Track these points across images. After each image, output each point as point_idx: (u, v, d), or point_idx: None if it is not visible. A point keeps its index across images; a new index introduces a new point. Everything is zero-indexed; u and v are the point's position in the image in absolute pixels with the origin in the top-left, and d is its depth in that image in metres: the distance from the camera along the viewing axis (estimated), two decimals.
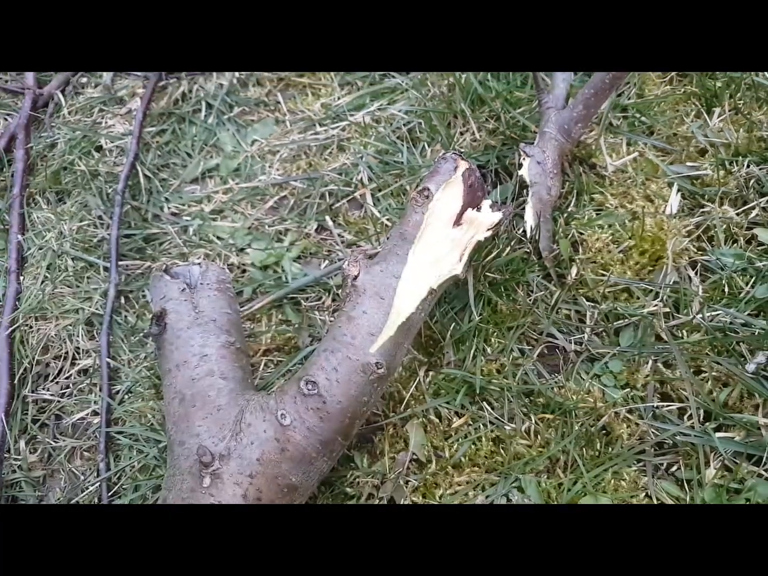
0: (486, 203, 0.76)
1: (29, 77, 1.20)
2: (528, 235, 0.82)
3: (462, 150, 0.96)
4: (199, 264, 0.83)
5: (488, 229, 0.73)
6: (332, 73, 1.13)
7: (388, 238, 0.74)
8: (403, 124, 1.02)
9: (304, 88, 1.14)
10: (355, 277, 0.72)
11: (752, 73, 0.92)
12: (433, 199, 0.73)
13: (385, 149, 1.00)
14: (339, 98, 1.10)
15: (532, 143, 0.87)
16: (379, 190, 0.98)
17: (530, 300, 0.80)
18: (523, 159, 0.86)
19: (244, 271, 0.96)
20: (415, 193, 0.73)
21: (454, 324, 0.79)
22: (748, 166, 0.84)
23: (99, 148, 1.12)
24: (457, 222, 0.74)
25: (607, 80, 0.82)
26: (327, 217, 0.97)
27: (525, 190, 0.89)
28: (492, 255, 0.80)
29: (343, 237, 0.96)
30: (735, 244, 0.79)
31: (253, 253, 0.97)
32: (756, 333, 0.69)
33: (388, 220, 0.93)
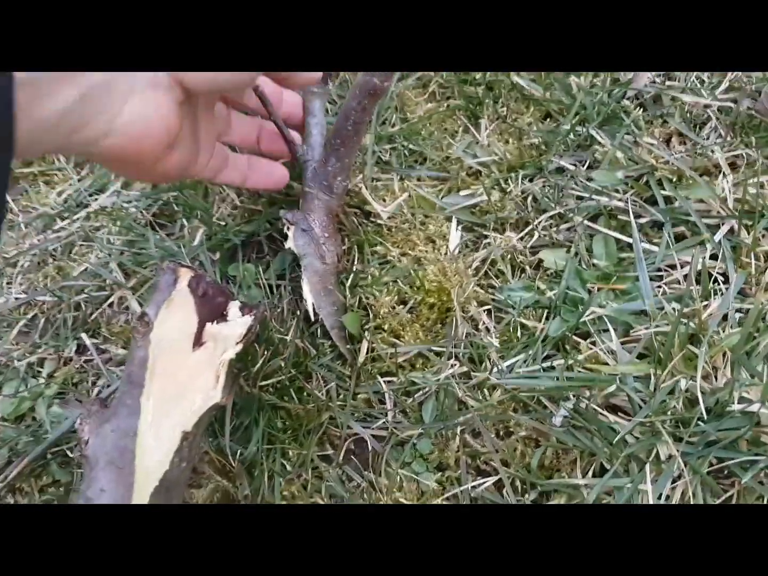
0: (234, 307, 0.62)
1: None
2: (312, 316, 0.69)
3: (222, 223, 0.81)
4: None
5: (238, 342, 0.59)
6: (63, 158, 0.93)
7: (119, 384, 0.59)
8: (154, 201, 0.85)
9: (36, 179, 0.93)
10: (86, 443, 0.56)
11: (510, 74, 0.84)
12: (155, 325, 0.57)
13: (134, 240, 0.82)
14: (77, 181, 0.91)
15: (296, 208, 0.74)
16: (141, 285, 0.81)
17: (323, 392, 0.68)
18: (287, 228, 0.72)
19: None
20: (135, 323, 0.58)
21: (241, 447, 0.65)
22: (522, 182, 0.76)
23: None
24: (198, 342, 0.59)
25: (349, 127, 0.69)
26: (83, 335, 0.79)
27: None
28: (269, 353, 0.67)
29: (109, 352, 0.78)
30: (523, 274, 0.70)
31: (2, 404, 0.77)
32: (555, 380, 0.61)
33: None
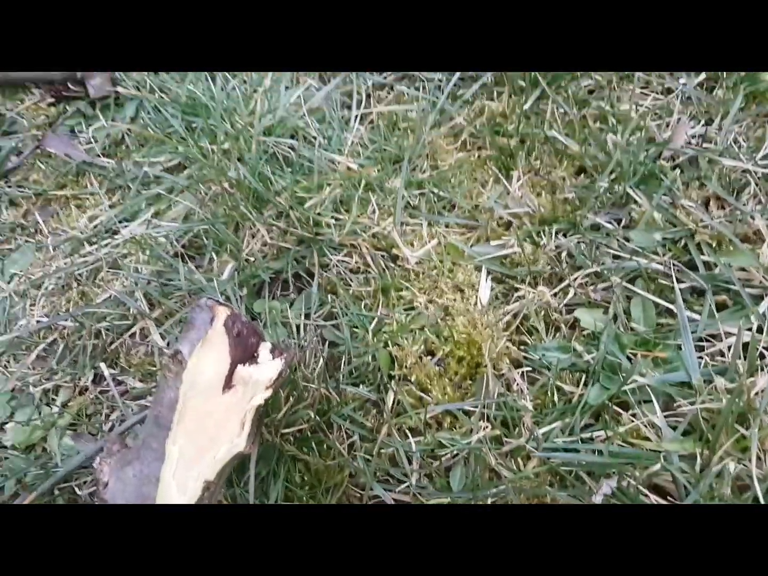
0: (264, 349, 0.54)
1: None
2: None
3: (251, 258, 0.74)
4: None
5: (268, 387, 0.52)
6: (96, 181, 0.87)
7: (143, 425, 0.51)
8: (185, 232, 0.79)
9: (67, 202, 0.86)
10: (105, 486, 0.48)
11: (544, 127, 0.78)
12: (188, 365, 0.50)
13: (162, 271, 0.75)
14: (109, 207, 0.84)
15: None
16: (166, 317, 0.74)
17: (345, 446, 0.60)
18: None
19: (4, 458, 0.68)
20: (167, 360, 0.50)
21: (260, 498, 0.57)
22: (556, 236, 0.69)
23: None
24: (228, 385, 0.51)
25: None
26: (102, 364, 0.71)
27: (333, 295, 0.70)
28: (291, 402, 0.59)
29: (126, 384, 0.71)
30: (558, 333, 0.63)
31: (14, 431, 0.69)
32: (596, 454, 0.53)
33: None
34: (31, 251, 0.83)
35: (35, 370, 0.74)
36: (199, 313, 0.52)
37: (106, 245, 0.80)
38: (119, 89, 0.96)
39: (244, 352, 0.53)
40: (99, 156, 0.90)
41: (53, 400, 0.71)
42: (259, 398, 0.51)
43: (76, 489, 0.64)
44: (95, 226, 0.83)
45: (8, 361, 0.75)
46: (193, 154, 0.83)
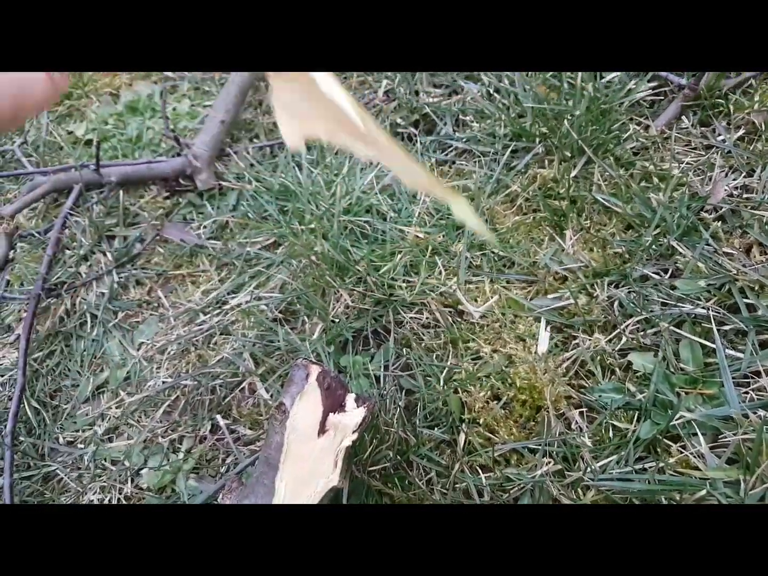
0: (350, 399, 0.70)
1: None
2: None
3: (336, 320, 0.92)
4: None
5: (354, 431, 0.67)
6: (207, 260, 1.10)
7: (255, 464, 0.67)
8: (281, 301, 0.98)
9: (184, 279, 1.10)
10: None
11: (592, 190, 0.91)
12: (290, 414, 0.67)
13: (264, 334, 0.94)
14: (219, 282, 1.06)
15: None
16: (269, 373, 0.92)
17: (423, 482, 0.73)
18: None
19: (141, 498, 0.87)
20: (273, 410, 0.67)
21: None
22: (608, 288, 0.81)
23: None
24: (322, 430, 0.67)
25: None
26: (218, 416, 0.90)
27: (407, 348, 0.85)
28: (374, 444, 0.74)
29: (238, 432, 0.89)
30: (613, 376, 0.74)
31: (148, 476, 0.88)
32: (647, 483, 0.63)
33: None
34: (155, 323, 1.06)
35: (162, 423, 0.94)
36: (297, 371, 0.69)
37: (217, 314, 1.01)
38: (222, 182, 1.21)
39: (333, 402, 0.69)
40: (208, 239, 1.13)
41: (178, 448, 0.90)
42: (348, 440, 0.66)
43: None
44: (208, 299, 1.04)
45: (140, 417, 0.96)
46: (286, 234, 1.04)
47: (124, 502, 0.85)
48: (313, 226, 1.01)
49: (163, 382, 0.98)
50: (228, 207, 1.17)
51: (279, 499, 0.62)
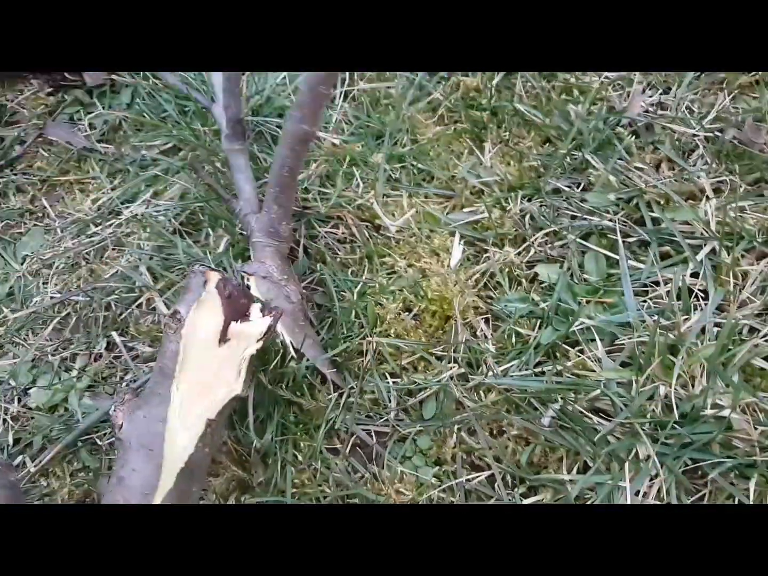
0: (255, 308, 0.67)
1: None
2: (294, 353, 0.74)
3: (243, 232, 0.87)
4: None
5: (258, 340, 0.65)
6: (97, 166, 1.00)
7: (151, 375, 0.64)
8: (182, 210, 0.92)
9: (71, 186, 1.00)
10: (120, 427, 0.62)
11: (514, 101, 0.90)
12: (186, 322, 0.63)
13: (162, 246, 0.88)
14: (111, 190, 0.97)
15: (248, 261, 0.79)
16: (168, 289, 0.87)
17: (333, 391, 0.73)
18: (247, 280, 0.75)
19: (30, 418, 0.82)
20: (167, 319, 0.64)
21: (256, 439, 0.70)
22: (521, 201, 0.81)
23: None
24: (223, 339, 0.65)
25: (285, 174, 0.75)
26: (113, 333, 0.85)
27: (320, 264, 0.82)
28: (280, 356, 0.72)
29: (137, 350, 0.84)
30: (519, 287, 0.76)
31: (36, 394, 0.82)
32: (545, 383, 0.66)
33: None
34: (40, 234, 0.97)
35: (52, 342, 0.88)
36: (194, 278, 0.65)
37: (110, 225, 0.93)
38: (114, 77, 1.09)
39: (236, 311, 0.66)
40: (98, 142, 1.03)
41: (71, 366, 0.85)
42: (252, 349, 0.64)
43: (97, 440, 0.77)
44: (99, 208, 0.96)
45: (27, 335, 0.89)
46: (187, 137, 0.96)
47: (11, 423, 0.80)
48: (216, 127, 0.94)
49: (51, 298, 0.90)
50: (121, 106, 1.06)
51: (174, 407, 0.60)
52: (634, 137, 0.83)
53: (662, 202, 0.76)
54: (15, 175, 1.04)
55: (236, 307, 0.66)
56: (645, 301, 0.70)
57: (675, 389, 0.60)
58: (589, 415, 0.63)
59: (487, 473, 0.65)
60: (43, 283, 0.92)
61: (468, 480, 0.65)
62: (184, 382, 0.61)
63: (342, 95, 1.00)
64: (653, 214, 0.75)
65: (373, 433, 0.70)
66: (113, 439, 0.76)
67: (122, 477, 0.59)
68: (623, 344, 0.66)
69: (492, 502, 0.63)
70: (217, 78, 0.93)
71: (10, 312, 0.90)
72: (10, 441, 0.79)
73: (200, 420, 0.61)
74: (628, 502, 0.58)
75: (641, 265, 0.72)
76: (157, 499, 0.58)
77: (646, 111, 0.85)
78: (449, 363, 0.70)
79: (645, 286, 0.71)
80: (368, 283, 0.80)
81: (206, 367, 0.63)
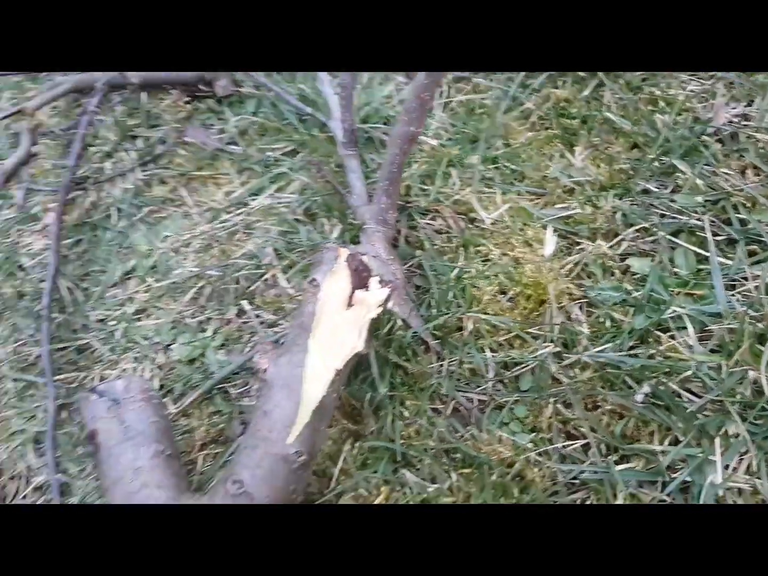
0: (374, 281, 0.70)
1: None
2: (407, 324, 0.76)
3: (356, 222, 0.91)
4: (121, 378, 0.76)
5: (378, 306, 0.68)
6: (229, 163, 1.06)
7: (290, 329, 0.68)
8: (302, 203, 0.96)
9: (206, 180, 1.06)
10: (265, 371, 0.66)
11: (603, 109, 0.90)
12: (322, 288, 0.67)
13: (287, 231, 0.93)
14: (240, 185, 1.03)
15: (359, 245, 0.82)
16: (290, 268, 0.91)
17: (435, 358, 0.75)
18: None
19: (172, 368, 0.88)
20: (306, 284, 0.68)
21: (370, 393, 0.73)
22: (613, 200, 0.81)
23: (21, 267, 1.03)
24: (349, 304, 0.68)
25: (394, 170, 0.79)
26: (244, 302, 0.90)
27: (419, 251, 0.85)
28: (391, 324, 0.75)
29: (262, 318, 0.89)
30: (612, 277, 0.75)
31: (178, 349, 0.89)
32: (639, 365, 0.65)
33: (300, 295, 0.87)
34: (179, 218, 1.03)
35: (189, 308, 0.94)
36: (328, 252, 0.69)
37: (239, 213, 0.99)
38: (240, 89, 1.15)
39: (360, 282, 0.70)
40: (228, 144, 1.09)
41: (205, 329, 0.91)
42: (372, 314, 0.67)
43: (230, 389, 0.82)
44: (230, 198, 1.01)
45: (168, 302, 0.95)
46: (305, 141, 1.01)
47: (157, 371, 0.86)
48: (331, 133, 0.98)
49: (190, 271, 0.96)
50: (247, 114, 1.12)
51: (311, 356, 0.63)
52: (719, 145, 0.81)
53: (749, 205, 0.74)
54: (158, 169, 1.11)
55: (360, 278, 0.69)
56: (733, 295, 0.68)
57: (765, 375, 0.59)
58: (681, 392, 0.62)
59: (582, 441, 0.65)
60: (182, 259, 0.98)
61: (564, 446, 0.65)
62: (318, 336, 0.65)
63: (441, 106, 1.02)
64: (740, 216, 0.73)
65: (473, 400, 0.72)
66: (244, 388, 0.81)
67: (267, 411, 0.63)
68: (712, 332, 0.65)
69: (585, 466, 0.63)
70: (332, 97, 0.98)
71: (154, 281, 0.97)
72: (156, 386, 0.85)
73: (330, 369, 0.64)
74: (719, 477, 0.57)
75: (729, 262, 0.70)
76: (295, 432, 0.61)
77: (731, 122, 0.83)
78: (545, 342, 0.71)
79: (733, 281, 0.69)
80: (464, 267, 0.82)
81: (335, 326, 0.67)
